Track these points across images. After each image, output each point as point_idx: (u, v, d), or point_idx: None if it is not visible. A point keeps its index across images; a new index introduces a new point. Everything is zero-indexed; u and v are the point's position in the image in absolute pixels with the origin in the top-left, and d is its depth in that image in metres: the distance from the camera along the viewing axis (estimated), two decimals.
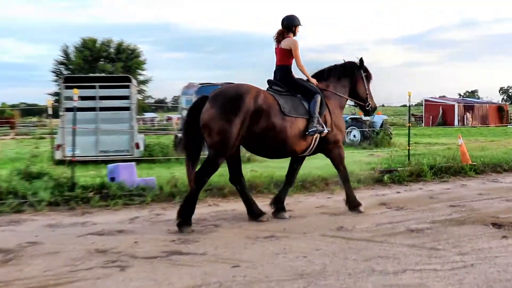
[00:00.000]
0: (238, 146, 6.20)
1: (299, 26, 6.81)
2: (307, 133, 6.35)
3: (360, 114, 18.12)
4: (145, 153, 12.95)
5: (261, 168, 10.06)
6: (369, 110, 7.33)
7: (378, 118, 18.52)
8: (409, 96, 10.72)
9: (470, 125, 38.78)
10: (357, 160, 11.71)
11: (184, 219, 5.79)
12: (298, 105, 6.44)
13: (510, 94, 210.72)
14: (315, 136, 6.46)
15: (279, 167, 10.56)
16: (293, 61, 6.65)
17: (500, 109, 44.70)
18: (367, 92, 7.23)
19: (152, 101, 61.23)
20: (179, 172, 8.67)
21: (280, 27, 6.74)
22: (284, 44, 6.63)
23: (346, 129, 17.83)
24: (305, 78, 6.79)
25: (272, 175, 8.76)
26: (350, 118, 18.39)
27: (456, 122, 40.35)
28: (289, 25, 6.73)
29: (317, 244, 5.10)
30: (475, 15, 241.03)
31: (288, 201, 7.59)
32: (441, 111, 41.57)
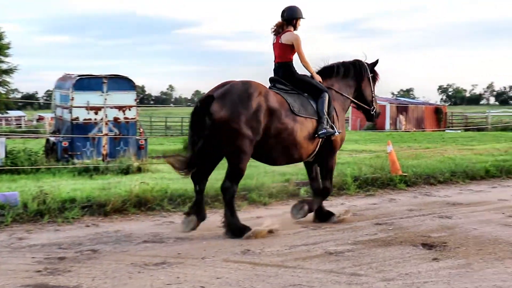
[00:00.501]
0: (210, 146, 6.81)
1: (301, 19, 7.45)
2: (317, 135, 7.11)
3: None
4: (7, 161, 12.50)
5: (153, 180, 10.08)
6: (373, 115, 8.15)
7: None
8: None
9: (403, 129, 41.06)
10: (270, 170, 12.06)
11: (239, 230, 6.66)
12: (307, 104, 7.17)
13: (450, 93, 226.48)
14: (320, 140, 7.20)
15: (175, 178, 10.65)
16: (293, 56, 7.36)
17: (437, 111, 47.76)
18: (373, 95, 8.05)
19: (19, 96, 58.54)
20: (50, 185, 8.49)
21: (279, 19, 7.39)
22: (285, 39, 7.27)
23: None
24: (308, 74, 7.49)
25: (166, 189, 8.82)
26: None
27: (387, 126, 42.57)
28: (290, 17, 7.36)
29: (218, 272, 5.25)
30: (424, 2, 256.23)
31: None
32: None
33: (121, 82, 14.97)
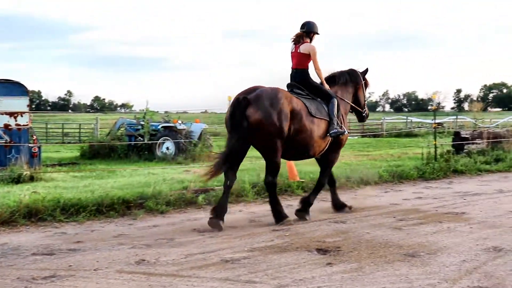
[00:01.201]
0: (245, 143, 7.80)
1: (316, 35, 8.67)
2: (328, 134, 8.28)
3: (175, 122, 18.48)
4: None
5: (46, 190, 9.72)
6: (364, 116, 9.64)
7: (196, 127, 19.02)
8: (229, 100, 11.26)
9: None
10: (168, 177, 11.95)
11: (281, 217, 7.88)
12: (321, 108, 8.31)
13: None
14: (330, 138, 8.35)
15: (69, 187, 10.31)
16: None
17: None
18: (365, 99, 9.53)
19: None
20: None
21: (299, 30, 8.58)
22: (303, 48, 8.43)
23: (158, 139, 18.06)
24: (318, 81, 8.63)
25: (59, 198, 8.52)
26: (163, 127, 18.60)
27: None
28: (309, 30, 8.58)
29: (111, 284, 5.11)
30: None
31: (78, 230, 7.52)
32: None
33: (12, 87, 14.34)
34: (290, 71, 8.68)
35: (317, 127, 8.11)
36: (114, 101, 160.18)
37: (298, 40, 8.54)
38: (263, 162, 14.07)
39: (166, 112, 21.06)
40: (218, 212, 7.62)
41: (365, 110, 9.54)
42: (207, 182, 8.21)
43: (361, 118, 9.73)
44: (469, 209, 8.93)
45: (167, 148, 18.20)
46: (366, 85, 9.55)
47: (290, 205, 9.57)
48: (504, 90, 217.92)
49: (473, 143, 17.22)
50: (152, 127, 18.78)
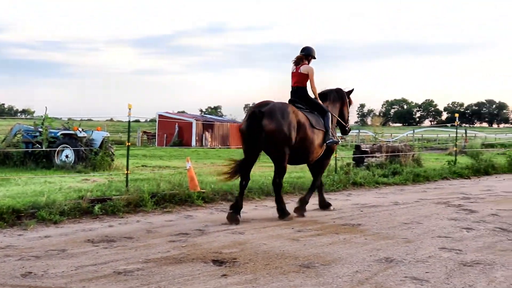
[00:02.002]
0: (260, 150, 9.22)
1: (313, 59, 10.19)
2: (325, 142, 9.80)
3: (75, 130, 17.92)
4: None
5: None
6: (347, 130, 11.13)
7: (97, 135, 18.51)
8: (130, 109, 11.11)
9: (209, 146, 41.97)
10: (65, 186, 11.54)
11: (285, 214, 9.23)
12: (319, 120, 9.75)
13: None
14: (325, 146, 9.89)
15: None
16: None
17: None
18: (348, 115, 10.99)
19: None
20: None
21: (299, 53, 10.06)
22: (304, 69, 9.89)
23: (57, 147, 17.43)
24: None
25: None
26: (62, 134, 17.98)
27: (193, 142, 43.22)
28: (307, 54, 10.07)
29: None
30: (224, 19, 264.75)
31: None
32: (177, 129, 44.03)
33: None
34: (290, 89, 10.13)
35: (317, 137, 9.59)
36: (14, 106, 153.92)
37: (298, 62, 9.97)
38: (165, 171, 13.99)
39: (69, 119, 20.32)
40: (235, 208, 8.97)
41: (348, 125, 11.07)
42: (226, 181, 9.79)
43: (344, 131, 11.24)
44: (365, 221, 9.18)
45: (66, 156, 17.59)
46: (350, 103, 11.12)
47: (189, 215, 9.50)
48: (405, 106, 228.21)
49: (372, 157, 17.82)
50: (51, 134, 18.08)
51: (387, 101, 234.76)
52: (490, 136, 64.07)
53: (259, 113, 8.84)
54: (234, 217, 8.86)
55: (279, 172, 9.31)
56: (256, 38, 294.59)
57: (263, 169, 17.88)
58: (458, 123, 24.06)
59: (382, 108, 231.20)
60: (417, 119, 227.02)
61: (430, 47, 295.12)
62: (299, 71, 9.93)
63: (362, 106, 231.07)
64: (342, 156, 16.51)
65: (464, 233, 8.14)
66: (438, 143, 59.65)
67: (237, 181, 9.28)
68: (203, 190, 11.00)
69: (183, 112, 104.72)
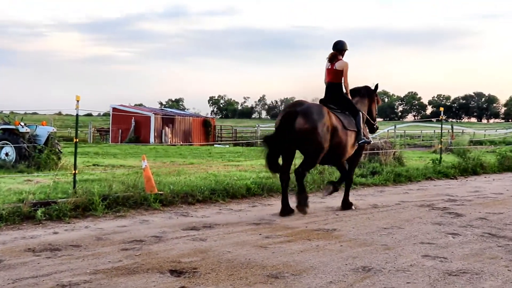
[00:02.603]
0: (294, 148, 10.33)
1: (346, 51, 11.18)
2: (358, 142, 10.94)
3: (17, 124, 17.60)
4: None
5: None
6: (375, 128, 12.13)
7: (42, 130, 18.18)
8: (78, 101, 10.94)
9: (169, 143, 41.76)
10: (4, 188, 11.34)
11: (304, 203, 10.09)
12: (350, 121, 10.79)
13: (222, 105, 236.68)
14: (357, 146, 11.00)
15: None
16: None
17: (206, 124, 49.47)
18: (376, 112, 12.09)
19: None
20: None
21: (332, 50, 11.08)
22: (339, 65, 10.93)
23: None
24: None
25: None
26: (1, 129, 17.65)
27: (152, 139, 42.96)
28: (341, 49, 11.09)
29: None
30: (183, 2, 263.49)
31: None
32: (133, 124, 43.69)
33: None
34: (324, 85, 11.23)
35: (350, 138, 10.66)
36: None
37: (332, 59, 11.02)
38: (119, 171, 13.88)
39: (11, 112, 19.90)
40: (285, 204, 10.27)
41: (376, 123, 12.12)
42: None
43: (372, 129, 12.11)
44: (341, 226, 9.21)
45: (6, 154, 17.29)
46: (378, 101, 12.18)
47: (145, 220, 9.40)
48: (386, 99, 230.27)
49: None
50: None
51: None
52: (479, 132, 65.16)
53: (294, 112, 9.94)
54: (286, 209, 10.22)
55: (307, 166, 10.33)
56: (218, 24, 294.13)
57: (228, 168, 17.86)
58: (444, 118, 24.35)
59: None
60: (400, 114, 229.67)
61: (413, 35, 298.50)
62: (334, 67, 11.01)
63: None
64: None
65: (449, 239, 8.22)
66: (422, 140, 60.40)
67: (201, 181, 9.24)
68: (161, 192, 10.91)
69: (140, 105, 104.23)
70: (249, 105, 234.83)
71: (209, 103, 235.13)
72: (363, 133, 11.11)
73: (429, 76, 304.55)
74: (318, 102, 10.88)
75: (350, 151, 10.88)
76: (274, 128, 10.48)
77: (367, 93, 11.87)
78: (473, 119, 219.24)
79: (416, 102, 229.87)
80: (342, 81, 11.05)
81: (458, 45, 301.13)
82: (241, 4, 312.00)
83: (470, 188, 14.88)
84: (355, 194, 13.37)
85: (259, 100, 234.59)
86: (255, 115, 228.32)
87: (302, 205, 10.08)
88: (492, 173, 20.24)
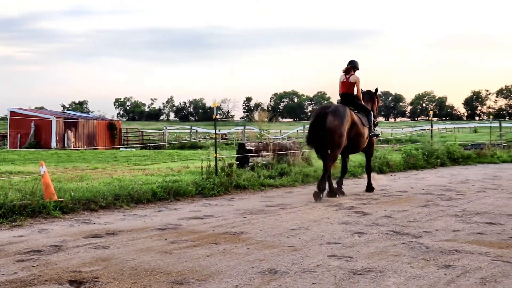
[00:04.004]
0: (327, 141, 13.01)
1: (358, 70, 14.18)
2: (370, 135, 14.21)
3: None
4: None
5: None
6: (376, 124, 15.09)
7: None
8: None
9: (72, 147, 40.82)
10: None
11: (332, 192, 13.23)
12: (365, 119, 13.89)
13: (128, 107, 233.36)
14: (368, 138, 14.23)
15: None
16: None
17: (111, 127, 48.66)
18: (376, 112, 15.33)
19: None
20: None
21: (347, 65, 14.11)
22: (352, 79, 13.93)
23: None
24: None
25: None
26: None
27: (53, 143, 41.86)
28: (354, 66, 14.08)
29: None
30: (87, 1, 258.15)
31: None
32: (33, 128, 42.44)
33: None
34: (339, 96, 14.25)
35: (365, 131, 13.87)
36: None
37: (348, 72, 13.99)
38: (17, 178, 13.48)
39: None
40: (319, 189, 12.81)
41: (376, 120, 15.15)
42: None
43: (374, 124, 14.83)
44: (248, 228, 9.24)
45: None
46: (378, 102, 15.42)
47: (44, 229, 9.13)
48: (295, 99, 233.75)
49: (258, 156, 18.00)
50: None
51: (276, 94, 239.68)
52: (386, 131, 67.18)
53: (325, 113, 12.87)
54: (318, 195, 12.63)
55: (332, 158, 13.16)
56: (124, 23, 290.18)
57: (134, 173, 17.63)
58: None
59: (270, 101, 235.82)
60: (309, 114, 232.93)
61: (324, 34, 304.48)
62: (349, 80, 13.96)
63: (249, 99, 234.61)
64: (224, 156, 16.54)
65: (355, 238, 8.40)
66: None
67: (105, 187, 9.03)
68: (61, 199, 10.62)
69: (41, 108, 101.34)
70: (157, 107, 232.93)
71: (115, 105, 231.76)
72: (373, 128, 14.40)
73: (337, 76, 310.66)
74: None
75: (364, 142, 14.08)
76: (308, 127, 13.55)
77: (370, 96, 14.97)
78: (381, 118, 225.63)
79: (325, 102, 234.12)
80: (354, 92, 13.99)
81: (366, 44, 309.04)
82: (147, 3, 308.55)
83: (376, 187, 15.29)
84: (264, 196, 13.51)
85: (167, 102, 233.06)
86: (163, 117, 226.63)
87: (316, 197, 12.59)
88: (398, 171, 20.89)
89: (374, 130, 14.55)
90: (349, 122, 13.03)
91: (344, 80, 13.99)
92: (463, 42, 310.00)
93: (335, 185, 13.63)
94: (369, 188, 14.58)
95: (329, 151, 13.07)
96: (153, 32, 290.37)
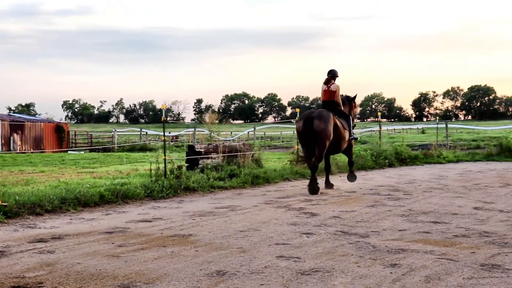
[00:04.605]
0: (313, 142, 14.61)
1: (338, 77, 15.79)
2: (350, 138, 15.64)
3: None
4: None
5: None
6: (353, 126, 16.44)
7: None
8: None
9: (19, 150, 40.08)
10: None
11: (314, 190, 14.41)
12: (345, 123, 15.35)
13: (77, 110, 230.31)
14: (348, 140, 15.71)
15: None
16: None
17: (59, 130, 47.94)
18: (354, 116, 16.98)
19: None
20: None
21: (327, 75, 15.69)
22: (333, 87, 15.52)
23: None
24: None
25: None
26: None
27: None
28: (333, 75, 15.66)
29: None
30: (34, 1, 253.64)
31: None
32: None
33: None
34: (322, 102, 15.83)
35: (345, 134, 15.36)
36: None
37: (328, 82, 15.60)
38: None
39: None
40: (313, 182, 14.52)
41: (353, 123, 16.65)
42: (302, 167, 17.45)
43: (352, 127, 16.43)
44: (197, 230, 9.21)
45: None
46: (355, 106, 17.17)
47: None
48: (246, 101, 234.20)
49: (208, 158, 17.97)
50: None
51: (227, 96, 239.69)
52: None
53: (311, 117, 14.44)
54: (314, 187, 14.39)
55: (319, 158, 14.63)
56: (71, 24, 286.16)
57: (82, 176, 17.41)
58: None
59: (221, 103, 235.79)
60: (260, 115, 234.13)
61: (274, 36, 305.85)
62: (330, 89, 15.55)
63: (200, 101, 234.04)
64: (174, 159, 16.45)
65: (304, 239, 8.45)
66: (282, 141, 61.95)
67: (51, 190, 8.88)
68: (5, 204, 10.41)
69: None
70: (106, 109, 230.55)
71: (63, 107, 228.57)
72: (352, 132, 15.88)
73: (288, 78, 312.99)
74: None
75: (345, 144, 15.61)
76: (296, 130, 15.40)
77: (348, 101, 16.53)
78: None
79: (276, 104, 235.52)
80: (335, 99, 15.54)
81: (316, 46, 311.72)
82: (95, 3, 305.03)
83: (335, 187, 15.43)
84: (213, 198, 13.49)
85: (117, 104, 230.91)
86: (112, 120, 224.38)
87: (312, 191, 14.31)
88: (347, 172, 21.10)
89: (353, 134, 16.08)
90: (333, 124, 14.61)
91: (326, 88, 15.58)
92: (411, 44, 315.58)
93: (319, 182, 15.13)
94: (352, 177, 16.59)
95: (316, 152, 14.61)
96: (101, 33, 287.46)
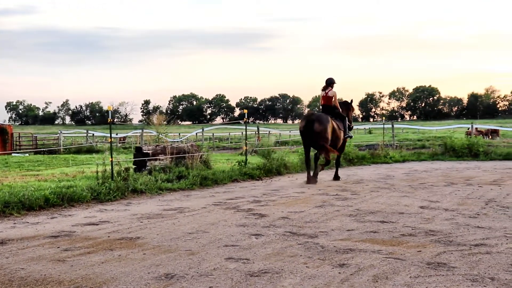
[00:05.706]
0: (313, 141, 17.20)
1: (335, 84, 18.07)
2: (345, 136, 18.27)
3: None
4: None
5: None
6: (351, 128, 19.29)
7: None
8: None
9: None
10: None
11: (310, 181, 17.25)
12: (341, 124, 17.83)
13: (21, 111, 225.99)
14: (344, 139, 18.35)
15: None
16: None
17: (2, 132, 46.90)
18: (351, 118, 19.47)
19: None
20: None
21: (325, 83, 18.12)
22: (331, 93, 17.86)
23: None
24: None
25: None
26: None
27: None
28: (330, 82, 17.98)
29: None
30: None
31: None
32: None
33: None
34: (321, 106, 18.21)
35: (341, 134, 17.68)
36: None
37: (325, 88, 17.92)
38: None
39: None
40: (315, 174, 17.32)
41: (351, 124, 19.33)
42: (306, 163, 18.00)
43: (350, 129, 18.92)
44: (145, 233, 9.11)
45: None
46: (353, 109, 19.71)
47: None
48: (194, 102, 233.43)
49: (156, 159, 17.82)
50: None
51: (174, 97, 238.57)
52: (285, 133, 68.00)
53: (312, 120, 16.67)
54: (312, 179, 17.05)
55: (320, 152, 17.05)
56: (14, 23, 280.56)
57: (26, 179, 17.05)
58: (248, 120, 25.07)
59: (169, 104, 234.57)
60: (208, 116, 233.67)
61: (221, 36, 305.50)
62: (327, 94, 17.87)
63: (147, 102, 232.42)
64: (121, 160, 16.26)
65: (252, 240, 8.44)
66: (231, 142, 61.92)
67: None
68: None
69: None
70: (52, 111, 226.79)
71: (6, 109, 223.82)
72: (347, 131, 18.34)
73: (236, 78, 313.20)
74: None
75: (340, 142, 17.80)
76: (299, 131, 17.39)
77: (346, 106, 18.94)
78: (279, 120, 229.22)
79: (225, 105, 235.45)
80: (332, 103, 17.82)
81: (265, 47, 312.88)
82: (39, 3, 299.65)
83: (275, 188, 15.47)
84: (161, 200, 13.38)
85: (63, 105, 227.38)
86: (58, 121, 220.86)
87: (311, 181, 16.93)
88: (295, 172, 21.25)
89: (348, 132, 18.53)
90: (330, 125, 16.76)
91: (324, 94, 17.96)
92: (358, 45, 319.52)
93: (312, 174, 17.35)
94: (336, 177, 18.32)
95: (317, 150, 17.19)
96: (46, 33, 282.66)
